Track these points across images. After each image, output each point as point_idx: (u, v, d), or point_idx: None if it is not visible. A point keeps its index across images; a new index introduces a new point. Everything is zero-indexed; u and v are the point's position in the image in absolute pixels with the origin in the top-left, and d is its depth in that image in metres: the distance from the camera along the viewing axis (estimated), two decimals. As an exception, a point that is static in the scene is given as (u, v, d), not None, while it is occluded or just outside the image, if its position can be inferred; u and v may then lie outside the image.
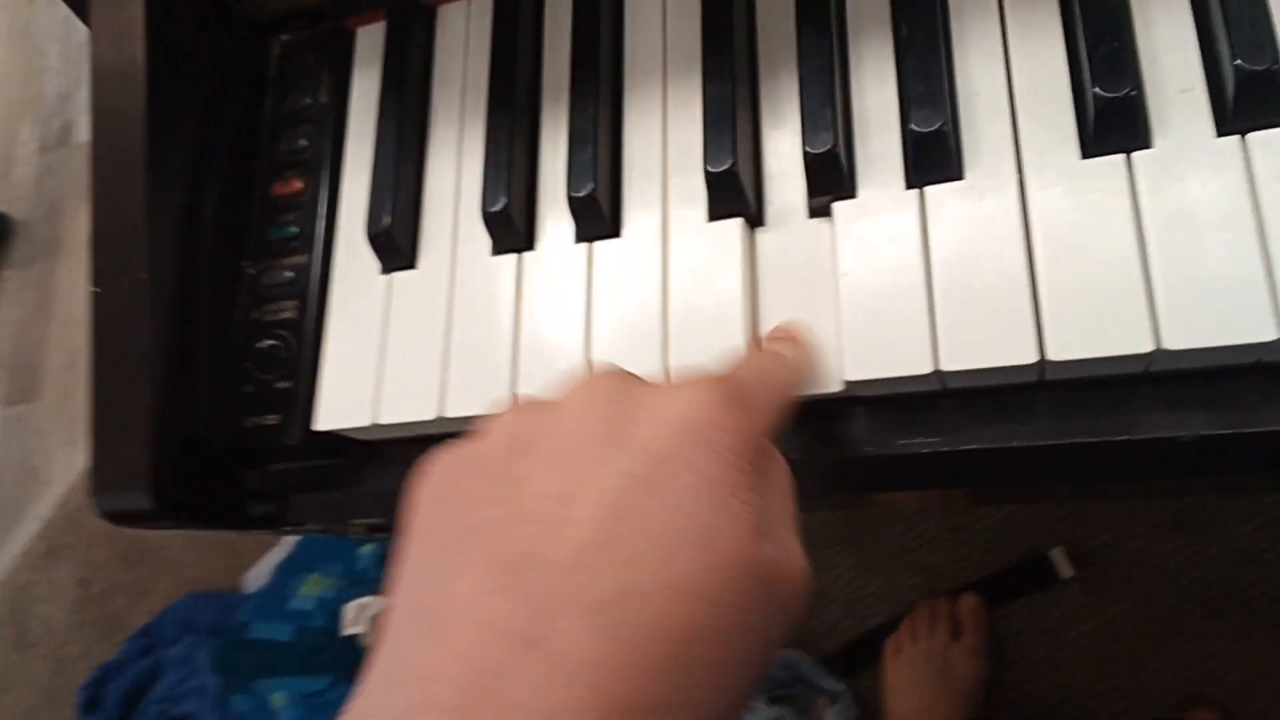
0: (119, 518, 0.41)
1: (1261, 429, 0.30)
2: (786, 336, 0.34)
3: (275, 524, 0.45)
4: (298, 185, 0.43)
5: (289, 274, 0.42)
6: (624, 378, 0.25)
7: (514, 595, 0.20)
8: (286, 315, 0.42)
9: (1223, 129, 0.30)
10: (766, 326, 0.35)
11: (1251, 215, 0.29)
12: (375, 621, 1.13)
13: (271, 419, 0.42)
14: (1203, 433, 0.30)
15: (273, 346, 0.42)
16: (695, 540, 0.21)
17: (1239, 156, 0.30)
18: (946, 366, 0.31)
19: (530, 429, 0.24)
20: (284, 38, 0.46)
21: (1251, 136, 0.30)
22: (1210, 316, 0.29)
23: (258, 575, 1.38)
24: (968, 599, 1.04)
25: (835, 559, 1.13)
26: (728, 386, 0.25)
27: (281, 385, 0.42)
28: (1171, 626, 0.99)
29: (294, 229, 0.43)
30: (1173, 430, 0.31)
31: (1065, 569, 1.02)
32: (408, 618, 0.22)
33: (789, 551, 0.24)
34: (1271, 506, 0.98)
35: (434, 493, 0.25)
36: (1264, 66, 0.29)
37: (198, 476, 0.43)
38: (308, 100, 0.45)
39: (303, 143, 0.44)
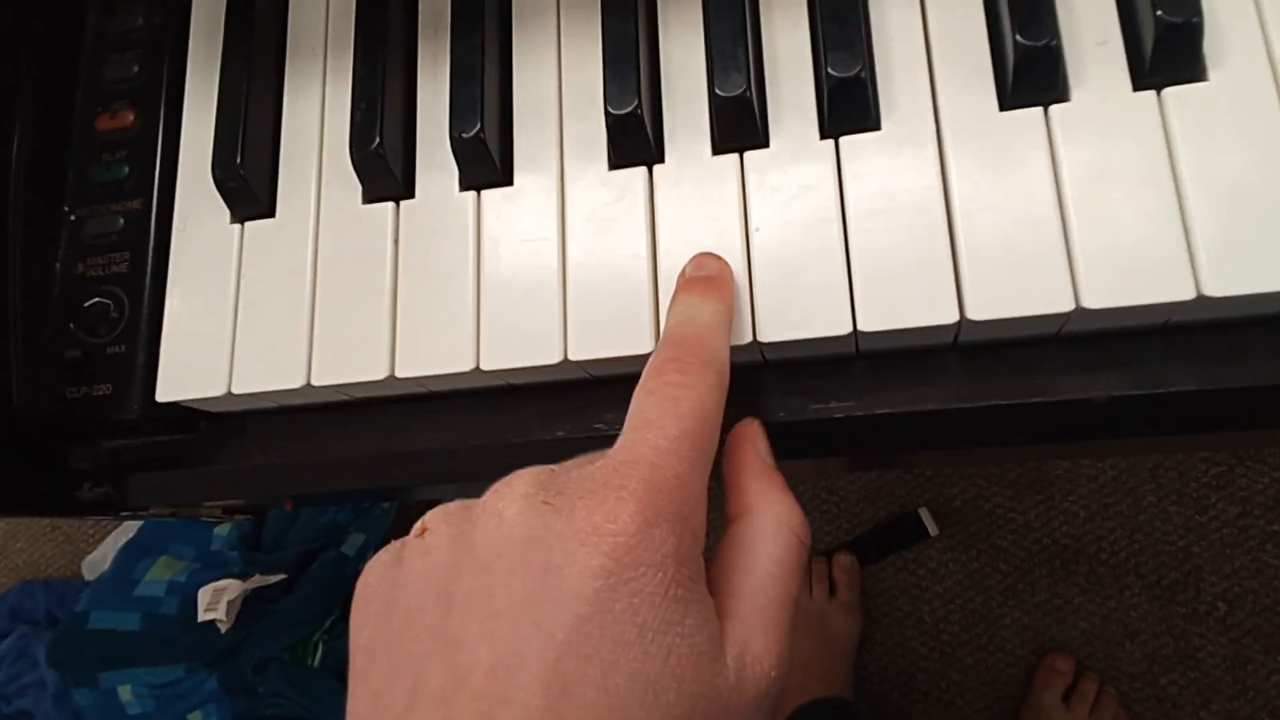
0: (-87, 507, 0.35)
1: (1171, 389, 0.30)
2: (700, 284, 0.30)
3: (112, 508, 0.39)
4: (128, 118, 0.37)
5: (119, 221, 0.36)
6: (538, 506, 0.23)
7: None
8: (118, 269, 0.36)
9: (1139, 83, 0.30)
10: (669, 284, 0.32)
11: (1168, 172, 0.29)
12: (233, 606, 1.06)
13: (102, 389, 0.36)
14: (1114, 394, 0.30)
15: (101, 305, 0.36)
16: (641, 699, 0.21)
17: (1155, 112, 0.29)
18: (865, 327, 0.30)
19: (458, 578, 0.23)
20: (108, -56, 0.40)
21: (1167, 92, 0.29)
22: (1128, 276, 0.28)
23: (99, 560, 1.28)
24: (842, 558, 1.07)
25: (715, 524, 1.13)
26: (643, 496, 0.22)
27: (114, 350, 0.36)
28: (1027, 579, 1.05)
29: (124, 169, 0.37)
30: (1085, 392, 0.30)
31: (932, 527, 1.06)
32: None
33: (757, 657, 0.23)
34: (1117, 465, 1.04)
35: (370, 634, 0.24)
36: (1184, 19, 0.28)
37: (12, 456, 0.37)
38: (139, 19, 0.38)
39: (134, 69, 0.38)
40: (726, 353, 0.28)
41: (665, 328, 0.28)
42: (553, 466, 0.25)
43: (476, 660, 0.21)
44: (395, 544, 0.25)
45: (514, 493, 0.24)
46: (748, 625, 0.23)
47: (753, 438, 0.28)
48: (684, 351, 0.27)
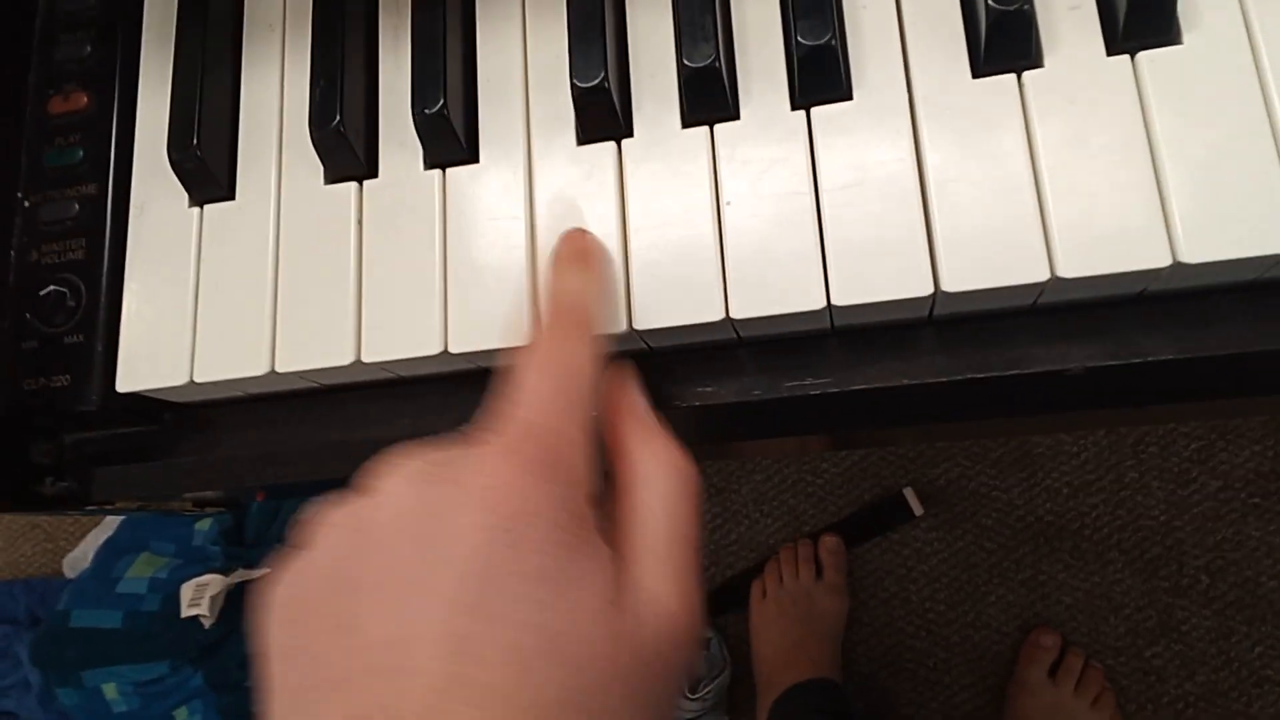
0: None
1: (1148, 359, 0.29)
2: (568, 258, 0.30)
3: (76, 503, 0.38)
4: (81, 100, 0.36)
5: (75, 206, 0.35)
6: (423, 479, 0.23)
7: None
8: (74, 256, 0.35)
9: (1113, 48, 0.29)
10: (640, 261, 0.31)
11: (1143, 138, 0.28)
12: (216, 601, 1.05)
13: (61, 380, 0.35)
14: (1090, 365, 0.30)
15: (58, 293, 0.35)
16: (542, 651, 0.20)
17: (1129, 76, 0.29)
18: (839, 301, 0.29)
19: (352, 561, 0.23)
20: (57, -80, 0.38)
21: (1141, 56, 0.29)
22: (1104, 244, 0.28)
23: (79, 558, 1.27)
24: (828, 540, 1.07)
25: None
26: (520, 451, 0.23)
27: (71, 340, 0.35)
28: (1011, 557, 1.05)
29: (78, 152, 0.36)
30: (1061, 363, 0.30)
31: (917, 507, 1.06)
32: None
33: (655, 598, 0.23)
34: (1099, 441, 1.04)
35: (277, 636, 0.24)
36: (1157, -20, 0.28)
37: (-30, 451, 0.36)
38: (91, -2, 0.37)
39: (86, 49, 0.37)
40: (599, 317, 0.28)
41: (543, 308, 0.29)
42: (432, 441, 0.25)
43: (374, 637, 0.21)
44: (292, 553, 0.25)
45: (396, 471, 0.24)
46: (642, 567, 0.23)
47: (625, 387, 0.28)
48: (554, 319, 0.27)
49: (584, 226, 0.31)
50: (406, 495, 0.23)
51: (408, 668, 0.20)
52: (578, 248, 0.30)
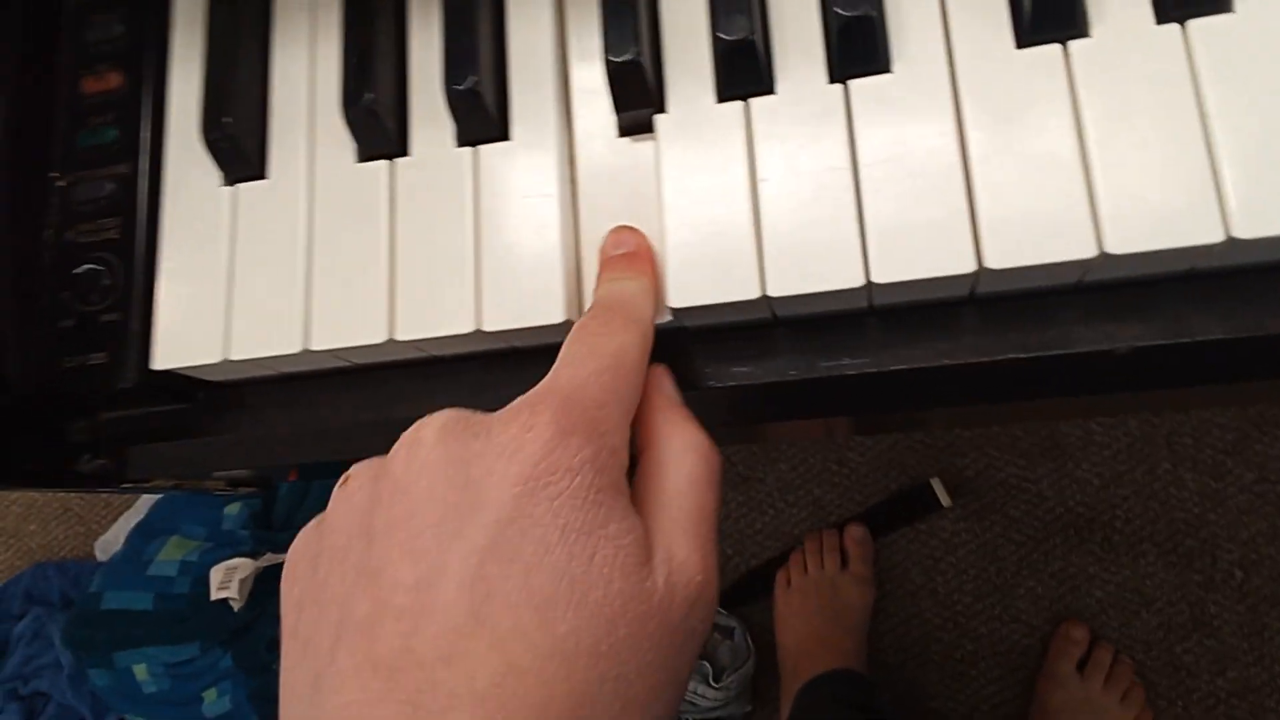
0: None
1: (1196, 339, 0.28)
2: (622, 262, 0.30)
3: (112, 481, 0.39)
4: (114, 80, 0.36)
5: (109, 185, 0.35)
6: (456, 431, 0.23)
7: (396, 700, 0.19)
8: (109, 235, 0.35)
9: (1162, 16, 0.28)
10: (676, 238, 0.31)
11: (1194, 109, 0.27)
12: (245, 584, 1.06)
13: (98, 358, 0.35)
14: (1138, 344, 0.29)
15: (93, 272, 0.35)
16: (568, 598, 0.20)
17: (1179, 45, 0.28)
18: (879, 279, 0.28)
19: (378, 508, 0.23)
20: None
21: (1192, 24, 0.28)
22: (1154, 219, 0.27)
23: (111, 541, 1.28)
24: (854, 530, 1.06)
25: (724, 497, 1.12)
26: (560, 411, 0.23)
27: (108, 318, 0.35)
28: (1041, 549, 1.04)
29: (112, 132, 0.36)
30: (1107, 343, 0.29)
31: (944, 498, 1.05)
32: None
33: (681, 564, 0.23)
34: (1131, 432, 1.03)
35: (300, 590, 0.24)
36: (1212, -56, 0.27)
37: (10, 428, 0.37)
38: (123, -22, 0.37)
39: (118, 29, 0.37)
40: (651, 317, 0.28)
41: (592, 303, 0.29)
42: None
43: (399, 580, 0.21)
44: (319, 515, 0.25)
45: (432, 423, 0.24)
46: (668, 534, 0.23)
47: (658, 380, 0.28)
48: (608, 312, 0.27)
49: (620, 206, 0.31)
50: (435, 444, 0.23)
51: (431, 609, 0.20)
52: (627, 251, 0.30)
